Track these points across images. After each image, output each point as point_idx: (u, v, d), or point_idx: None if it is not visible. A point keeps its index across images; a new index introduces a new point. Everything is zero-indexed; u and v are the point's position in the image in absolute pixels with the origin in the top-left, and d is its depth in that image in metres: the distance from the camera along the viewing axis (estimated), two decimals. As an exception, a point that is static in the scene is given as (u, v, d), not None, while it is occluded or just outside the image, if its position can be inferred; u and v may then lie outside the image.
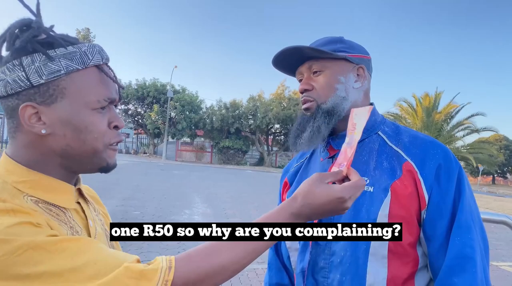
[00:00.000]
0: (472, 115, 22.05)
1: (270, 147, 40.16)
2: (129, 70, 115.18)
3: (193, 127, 38.33)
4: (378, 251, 0.96)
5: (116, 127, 0.81)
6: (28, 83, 0.71)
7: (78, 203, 0.84)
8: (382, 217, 0.96)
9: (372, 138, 1.08)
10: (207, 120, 37.49)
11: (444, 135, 22.08)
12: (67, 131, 0.75)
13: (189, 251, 0.70)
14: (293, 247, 1.13)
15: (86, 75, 0.76)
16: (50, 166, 0.76)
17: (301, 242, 1.08)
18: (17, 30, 0.73)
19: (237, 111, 36.77)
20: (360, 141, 1.01)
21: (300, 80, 1.09)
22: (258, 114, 35.87)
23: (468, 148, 23.29)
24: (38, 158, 0.75)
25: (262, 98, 37.32)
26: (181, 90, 39.34)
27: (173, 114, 37.64)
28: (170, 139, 39.00)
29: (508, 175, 66.57)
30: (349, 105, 1.05)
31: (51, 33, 0.75)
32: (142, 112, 39.77)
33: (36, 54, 0.72)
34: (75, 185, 0.84)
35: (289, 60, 1.08)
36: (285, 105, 35.72)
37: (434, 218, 0.96)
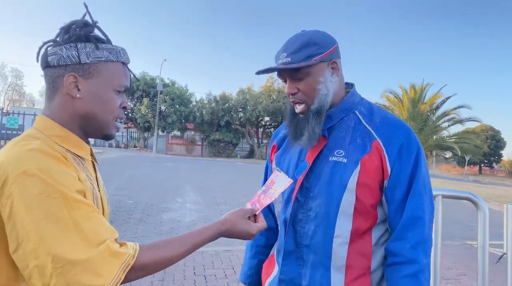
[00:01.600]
0: (458, 107, 22.56)
1: (260, 139, 40.39)
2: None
3: (183, 121, 38.38)
4: (346, 210, 1.17)
5: (124, 108, 1.08)
6: (78, 60, 1.00)
7: (92, 161, 1.13)
8: (352, 183, 1.17)
9: (350, 117, 1.26)
10: (197, 114, 37.52)
11: (429, 126, 22.55)
12: (92, 100, 1.02)
13: (151, 244, 0.96)
14: (277, 200, 1.36)
15: (116, 67, 1.04)
16: (74, 127, 1.03)
17: (285, 198, 1.32)
18: (74, 25, 1.02)
19: (227, 104, 36.89)
20: (340, 120, 1.25)
21: (283, 80, 1.27)
22: (248, 107, 36.02)
23: (454, 138, 23.80)
24: (67, 119, 1.02)
25: (252, 91, 37.47)
26: (170, 84, 39.31)
27: (163, 107, 37.66)
28: (160, 133, 39.00)
29: (494, 165, 67.70)
30: (331, 97, 1.24)
31: (101, 33, 1.05)
32: (132, 106, 39.68)
33: (88, 43, 1.01)
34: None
35: (272, 71, 1.27)
36: (275, 98, 35.96)
37: (394, 186, 1.17)
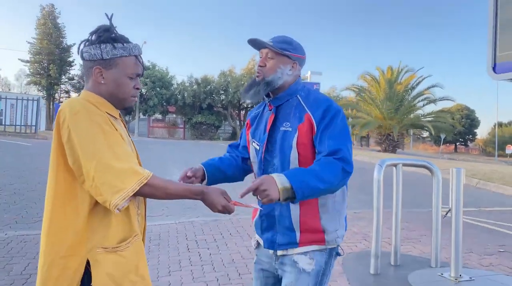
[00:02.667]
0: (431, 87, 23.35)
1: (242, 122, 40.71)
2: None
3: (164, 104, 38.32)
4: (294, 162, 1.66)
5: (137, 88, 1.51)
6: (101, 57, 1.43)
7: (122, 121, 1.58)
8: (294, 143, 1.65)
9: (293, 99, 1.75)
10: (179, 96, 37.48)
11: (405, 105, 23.31)
12: (113, 84, 1.45)
13: (159, 178, 1.33)
14: (253, 161, 1.87)
15: (129, 59, 1.47)
16: (106, 99, 1.46)
17: (258, 159, 1.80)
18: (99, 30, 1.46)
19: (208, 87, 36.98)
20: (286, 101, 1.74)
21: (260, 55, 1.76)
22: (230, 90, 36.18)
23: (429, 117, 24.65)
24: (101, 95, 1.46)
25: (233, 73, 37.58)
26: (151, 66, 39.04)
27: (144, 90, 37.51)
28: (142, 116, 38.91)
29: (469, 143, 69.76)
30: (282, 82, 1.72)
31: (118, 35, 1.48)
32: (112, 89, 39.43)
33: (108, 44, 1.44)
34: None
35: (258, 43, 1.78)
36: (256, 80, 36.30)
37: (317, 135, 1.62)
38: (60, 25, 37.04)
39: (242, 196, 1.48)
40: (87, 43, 1.46)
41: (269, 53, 1.72)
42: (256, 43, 1.76)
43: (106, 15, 1.49)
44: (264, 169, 1.76)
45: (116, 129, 1.38)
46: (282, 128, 1.70)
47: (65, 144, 1.29)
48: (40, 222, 5.30)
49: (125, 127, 1.57)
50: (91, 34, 1.46)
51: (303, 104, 1.71)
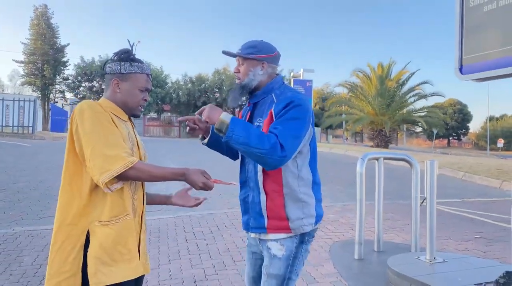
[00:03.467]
0: (422, 83, 23.76)
1: (236, 119, 40.96)
2: (92, 47, 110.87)
3: (159, 102, 38.53)
4: None
5: (145, 100, 1.82)
6: (119, 71, 1.77)
7: (131, 124, 1.89)
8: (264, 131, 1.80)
9: (268, 97, 1.93)
10: (173, 95, 37.71)
11: (396, 101, 23.69)
12: (126, 94, 1.78)
13: (144, 163, 1.63)
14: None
15: (141, 76, 1.81)
16: (118, 106, 1.78)
17: (241, 162, 2.04)
18: (120, 52, 1.80)
19: (203, 85, 37.20)
20: (262, 99, 1.93)
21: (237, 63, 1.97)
22: (224, 88, 36.42)
23: (421, 112, 25.03)
24: (115, 102, 1.78)
25: (228, 71, 37.80)
26: (145, 66, 39.20)
27: (138, 90, 37.67)
28: (137, 115, 39.06)
29: (462, 137, 70.40)
30: (256, 83, 1.93)
31: (135, 56, 1.81)
32: (107, 89, 39.52)
33: (126, 62, 1.78)
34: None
35: (229, 54, 2.01)
36: (250, 78, 36.57)
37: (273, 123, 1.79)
38: (53, 26, 37.12)
39: (197, 114, 1.90)
40: (109, 61, 1.80)
41: (240, 60, 1.95)
42: (228, 54, 1.99)
43: (128, 41, 1.85)
44: (243, 158, 2.01)
45: (117, 127, 1.66)
46: (255, 123, 1.91)
47: (74, 135, 1.62)
48: (44, 219, 5.64)
49: (133, 128, 1.87)
50: (114, 54, 1.80)
51: (275, 101, 1.88)
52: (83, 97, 40.00)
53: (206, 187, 1.70)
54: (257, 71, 1.93)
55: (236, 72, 1.99)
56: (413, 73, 23.70)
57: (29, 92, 38.20)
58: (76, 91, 39.63)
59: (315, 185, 1.95)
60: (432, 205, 3.88)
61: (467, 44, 3.38)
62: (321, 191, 2.02)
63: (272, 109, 1.84)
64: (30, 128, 21.65)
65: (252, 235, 1.99)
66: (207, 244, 4.66)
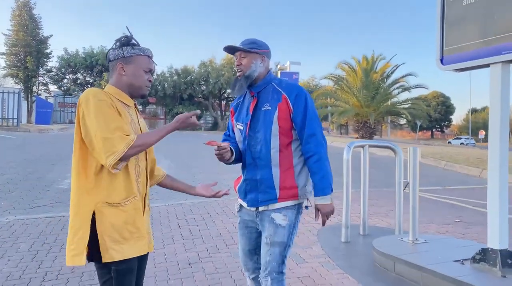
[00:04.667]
0: (406, 75, 24.16)
1: (223, 112, 40.97)
2: (76, 39, 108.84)
3: (145, 95, 38.33)
4: (275, 133, 2.12)
5: (150, 81, 1.89)
6: (123, 55, 1.87)
7: (135, 109, 2.00)
8: (275, 118, 2.12)
9: (269, 86, 2.21)
10: (159, 87, 37.46)
11: (381, 93, 24.04)
12: (132, 76, 1.83)
13: (141, 137, 1.72)
14: (239, 140, 2.35)
15: (144, 58, 1.91)
16: (124, 90, 1.90)
17: (243, 135, 2.27)
18: (122, 38, 1.90)
19: (189, 77, 37.05)
20: (263, 88, 2.19)
21: (236, 57, 2.21)
22: (210, 80, 36.34)
23: (404, 104, 25.44)
24: (120, 86, 1.90)
25: (214, 63, 37.71)
26: (130, 58, 38.84)
27: (123, 82, 37.36)
28: (122, 108, 38.77)
29: (445, 129, 71.68)
30: (257, 74, 2.19)
31: (135, 40, 1.92)
32: (92, 81, 39.10)
33: (128, 46, 1.88)
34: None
35: (232, 48, 2.26)
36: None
37: (296, 116, 2.12)
38: (36, 16, 36.45)
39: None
40: (111, 49, 1.90)
41: (242, 53, 2.19)
42: (231, 49, 2.23)
43: (127, 28, 1.96)
44: (248, 143, 2.21)
45: (120, 113, 1.75)
46: (263, 109, 2.17)
47: (80, 121, 1.74)
48: (37, 208, 5.71)
49: (137, 114, 1.99)
50: (116, 41, 1.91)
51: (279, 89, 2.19)
52: (67, 90, 39.53)
53: (192, 123, 1.88)
54: (258, 64, 2.19)
55: (238, 65, 2.20)
56: (397, 66, 24.09)
57: (11, 84, 37.54)
58: (60, 83, 39.15)
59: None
60: (414, 189, 4.09)
61: (447, 36, 3.57)
62: None
63: (286, 96, 2.16)
64: (15, 121, 21.38)
65: (261, 208, 2.19)
66: (199, 230, 4.81)
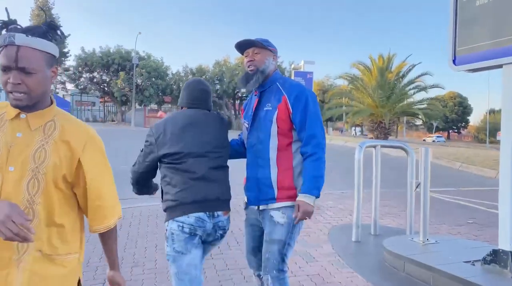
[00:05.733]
0: (422, 75, 23.84)
1: (237, 111, 41.12)
2: (92, 38, 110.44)
3: (160, 94, 38.64)
4: (273, 133, 2.14)
5: (16, 83, 1.21)
6: None
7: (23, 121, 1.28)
8: (274, 119, 2.12)
9: (274, 86, 2.23)
10: (174, 87, 37.80)
11: (396, 93, 23.77)
12: None
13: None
14: (245, 137, 2.37)
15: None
16: None
17: (247, 133, 2.29)
18: None
19: (203, 77, 37.31)
20: (268, 87, 2.22)
21: (246, 56, 2.23)
22: (225, 79, 36.52)
23: (420, 104, 25.11)
24: None
25: (228, 63, 37.88)
26: (146, 57, 39.24)
27: (139, 81, 37.78)
28: (138, 107, 39.23)
29: (462, 130, 70.50)
30: (269, 70, 2.21)
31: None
32: (108, 79, 39.62)
33: None
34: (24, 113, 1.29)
35: (243, 45, 2.28)
36: (250, 70, 36.59)
37: (295, 117, 2.11)
38: (54, 16, 37.11)
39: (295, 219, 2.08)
40: None
41: (255, 49, 2.20)
42: (246, 44, 2.23)
43: (6, 9, 1.33)
44: (250, 141, 2.25)
45: None
46: (265, 109, 2.19)
47: None
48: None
49: (18, 129, 1.29)
50: None
51: (281, 89, 2.19)
52: (84, 88, 40.15)
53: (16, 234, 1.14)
54: (270, 61, 2.23)
55: (251, 60, 2.22)
56: (414, 65, 23.78)
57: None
58: (77, 82, 39.76)
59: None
60: (425, 189, 4.09)
61: (460, 36, 3.56)
62: None
63: (286, 96, 2.15)
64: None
65: (262, 207, 2.19)
66: (211, 227, 4.88)
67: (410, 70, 23.92)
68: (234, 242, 4.34)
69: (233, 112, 40.76)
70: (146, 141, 2.12)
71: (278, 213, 2.15)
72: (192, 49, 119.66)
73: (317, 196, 2.07)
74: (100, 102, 46.69)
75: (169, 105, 42.29)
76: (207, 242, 2.10)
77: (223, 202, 2.08)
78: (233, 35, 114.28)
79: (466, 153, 13.93)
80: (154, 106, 41.76)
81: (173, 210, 2.00)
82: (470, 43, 3.45)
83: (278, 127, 2.13)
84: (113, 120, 42.30)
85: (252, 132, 2.25)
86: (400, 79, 24.35)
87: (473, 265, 3.31)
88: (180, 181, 2.00)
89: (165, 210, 2.06)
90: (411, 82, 24.09)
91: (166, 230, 2.04)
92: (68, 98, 42.62)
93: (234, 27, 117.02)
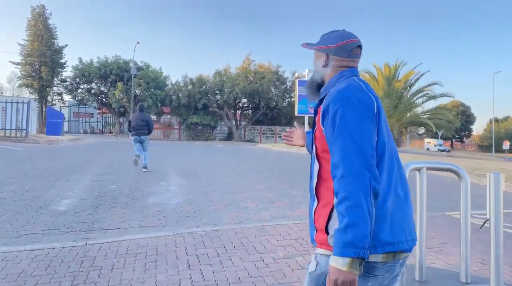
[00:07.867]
0: (431, 84, 23.07)
1: (238, 121, 40.32)
2: (90, 48, 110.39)
3: (159, 105, 37.80)
4: (314, 155, 1.64)
5: None
6: None
7: None
8: (313, 137, 1.65)
9: (328, 94, 1.67)
10: (173, 97, 37.04)
11: (404, 103, 22.95)
12: None
13: None
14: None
15: None
16: None
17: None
18: None
19: (203, 87, 36.53)
20: (324, 96, 1.66)
21: None
22: (225, 89, 35.75)
23: (428, 114, 24.34)
24: None
25: (228, 72, 37.13)
26: (144, 67, 38.49)
27: (137, 91, 36.96)
28: (136, 118, 38.39)
29: (465, 139, 69.81)
30: (319, 77, 1.73)
31: None
32: (106, 90, 38.79)
33: None
34: None
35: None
36: (252, 79, 35.77)
37: (326, 135, 1.53)
38: (51, 26, 36.47)
39: None
40: None
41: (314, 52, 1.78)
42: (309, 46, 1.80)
43: None
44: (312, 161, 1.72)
45: None
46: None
47: None
48: (25, 237, 4.84)
49: None
50: None
51: (325, 98, 1.64)
52: (82, 100, 39.30)
53: None
54: (319, 65, 1.76)
55: None
56: (422, 74, 22.96)
57: (27, 94, 37.60)
58: (74, 93, 38.98)
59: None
60: (497, 227, 3.12)
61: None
62: (384, 207, 1.48)
63: (321, 108, 1.59)
64: (24, 131, 20.90)
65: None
66: (213, 272, 3.87)
67: (418, 79, 23.13)
68: (244, 297, 3.33)
69: (234, 122, 39.89)
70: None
71: (313, 258, 1.64)
72: (192, 58, 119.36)
73: (352, 256, 1.35)
74: (98, 113, 45.86)
75: (168, 116, 41.45)
76: None
77: None
78: (234, 45, 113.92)
79: (489, 166, 12.92)
80: (153, 117, 40.87)
81: None
82: None
83: (316, 148, 1.63)
84: (111, 132, 41.37)
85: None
86: (408, 88, 23.54)
87: None
88: None
89: None
90: (419, 91, 23.28)
91: None
92: (65, 110, 41.78)
93: (234, 36, 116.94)
